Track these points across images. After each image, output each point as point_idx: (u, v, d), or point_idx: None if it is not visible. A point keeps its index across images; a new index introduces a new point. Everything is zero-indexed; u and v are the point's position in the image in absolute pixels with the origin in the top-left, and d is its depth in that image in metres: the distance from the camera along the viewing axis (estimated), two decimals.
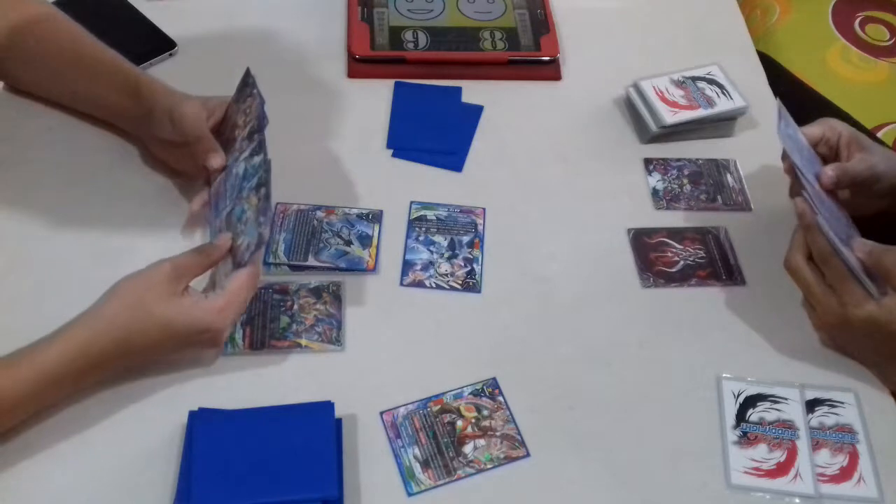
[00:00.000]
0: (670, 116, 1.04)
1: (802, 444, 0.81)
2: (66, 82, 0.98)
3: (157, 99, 0.92)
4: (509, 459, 0.80)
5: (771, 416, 0.83)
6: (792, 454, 0.81)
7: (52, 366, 0.74)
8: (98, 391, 0.80)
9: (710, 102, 1.06)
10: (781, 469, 0.80)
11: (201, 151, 0.89)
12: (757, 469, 0.80)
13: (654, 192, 1.01)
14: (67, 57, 0.96)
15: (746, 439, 0.82)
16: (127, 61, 0.96)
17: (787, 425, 0.83)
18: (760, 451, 0.81)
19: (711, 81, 1.09)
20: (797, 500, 0.78)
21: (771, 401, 0.84)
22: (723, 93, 1.08)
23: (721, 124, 1.07)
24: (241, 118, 0.90)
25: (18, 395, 0.73)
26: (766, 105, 1.11)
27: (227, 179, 0.88)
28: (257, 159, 0.84)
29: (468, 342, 0.88)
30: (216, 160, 0.88)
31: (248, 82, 0.91)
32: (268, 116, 0.88)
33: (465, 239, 0.95)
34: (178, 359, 0.81)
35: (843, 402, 0.84)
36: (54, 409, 0.78)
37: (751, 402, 0.84)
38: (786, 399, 0.84)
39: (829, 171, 0.90)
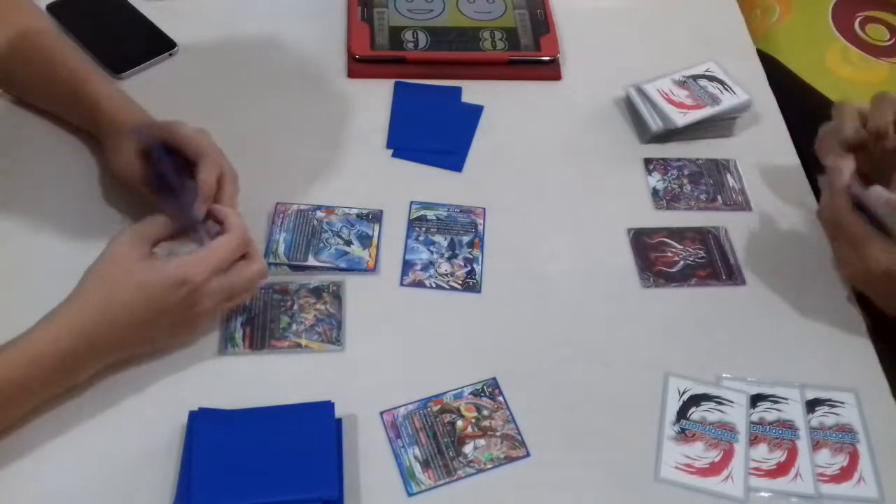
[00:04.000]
0: (681, 118, 1.04)
1: (803, 444, 0.82)
2: (38, 92, 0.99)
3: (104, 130, 0.92)
4: (509, 459, 0.80)
5: (771, 416, 0.83)
6: (792, 454, 0.81)
7: (37, 348, 0.74)
8: (95, 382, 0.80)
9: (714, 100, 1.06)
10: (781, 469, 0.80)
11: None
12: (757, 469, 0.80)
13: (654, 192, 1.01)
14: (43, 68, 0.95)
15: (749, 440, 0.82)
16: (97, 79, 0.94)
17: (788, 425, 0.83)
18: (761, 451, 0.81)
19: (712, 78, 1.09)
20: (794, 500, 0.78)
21: (771, 401, 0.84)
22: (725, 88, 1.08)
23: (722, 123, 1.07)
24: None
25: (8, 380, 0.73)
26: (766, 106, 1.11)
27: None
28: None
29: (468, 342, 0.88)
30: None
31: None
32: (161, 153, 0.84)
33: (465, 239, 0.95)
34: (167, 329, 0.80)
35: (843, 403, 0.84)
36: (49, 401, 0.78)
37: (751, 402, 0.84)
38: (786, 399, 0.84)
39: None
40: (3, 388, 0.73)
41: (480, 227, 0.96)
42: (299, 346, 0.85)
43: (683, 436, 0.82)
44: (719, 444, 0.81)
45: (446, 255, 0.94)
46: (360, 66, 1.11)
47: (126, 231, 0.79)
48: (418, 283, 0.91)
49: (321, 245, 0.93)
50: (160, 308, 0.77)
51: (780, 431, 0.82)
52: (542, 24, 1.16)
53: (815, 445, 0.82)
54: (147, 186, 0.87)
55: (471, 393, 0.83)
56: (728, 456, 0.80)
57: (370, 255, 0.92)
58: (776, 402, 0.84)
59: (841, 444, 0.82)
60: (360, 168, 1.01)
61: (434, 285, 0.91)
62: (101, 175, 0.97)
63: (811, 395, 0.85)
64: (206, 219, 0.83)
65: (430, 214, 0.97)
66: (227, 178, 0.86)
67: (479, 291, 0.91)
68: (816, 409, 0.84)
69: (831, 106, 0.97)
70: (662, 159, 1.05)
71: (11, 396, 0.74)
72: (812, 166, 1.04)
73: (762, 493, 0.79)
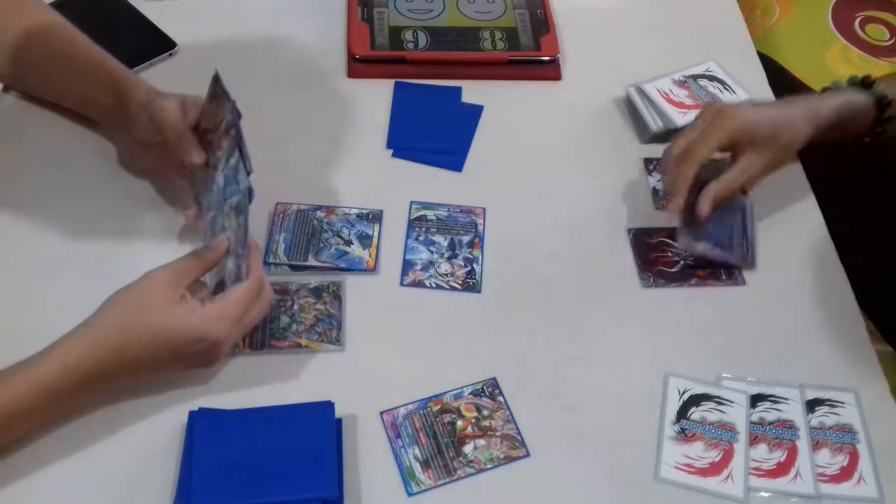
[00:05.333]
0: (680, 118, 1.04)
1: (803, 444, 0.82)
2: (55, 82, 0.98)
3: (135, 97, 0.91)
4: (509, 459, 0.80)
5: (771, 416, 0.83)
6: (792, 454, 0.81)
7: (47, 378, 0.72)
8: (96, 407, 0.79)
9: (714, 100, 1.06)
10: (781, 469, 0.80)
11: (180, 149, 0.88)
12: (757, 469, 0.80)
13: (654, 192, 1.01)
14: (59, 58, 0.96)
15: (749, 440, 0.82)
16: (114, 61, 0.95)
17: (788, 425, 0.83)
18: (761, 451, 0.81)
19: (712, 78, 1.09)
20: (794, 500, 0.79)
21: (771, 401, 0.84)
22: (725, 88, 1.08)
23: None
24: (212, 121, 0.88)
25: (14, 409, 0.72)
26: None
27: (208, 182, 0.87)
28: (233, 160, 0.83)
29: (468, 342, 0.88)
30: (196, 156, 0.86)
31: (217, 87, 0.87)
32: (240, 111, 0.85)
33: (465, 239, 0.95)
34: (175, 372, 0.80)
35: (843, 403, 0.84)
36: (49, 427, 0.77)
37: (751, 402, 0.84)
38: (786, 399, 0.84)
39: (703, 206, 0.92)
40: (10, 420, 0.72)
41: (480, 227, 0.96)
42: (299, 346, 0.85)
43: (683, 436, 0.82)
44: (719, 444, 0.81)
45: (446, 255, 0.94)
46: (360, 66, 1.11)
47: (163, 269, 0.77)
48: (418, 283, 0.91)
49: (321, 245, 0.93)
50: (177, 356, 0.76)
51: (780, 431, 0.82)
52: (542, 24, 1.16)
53: (815, 445, 0.82)
54: (179, 133, 0.87)
55: (471, 393, 0.83)
56: (728, 456, 0.80)
57: (370, 255, 0.92)
58: (776, 402, 0.84)
59: (841, 444, 0.82)
60: (360, 168, 1.01)
61: (434, 285, 0.91)
62: (104, 174, 0.97)
63: (811, 395, 0.85)
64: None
65: (430, 214, 0.97)
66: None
67: (479, 291, 0.91)
68: (816, 409, 0.84)
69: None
70: None
71: (16, 424, 0.74)
72: (812, 166, 1.05)
73: (762, 493, 0.79)
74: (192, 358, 0.77)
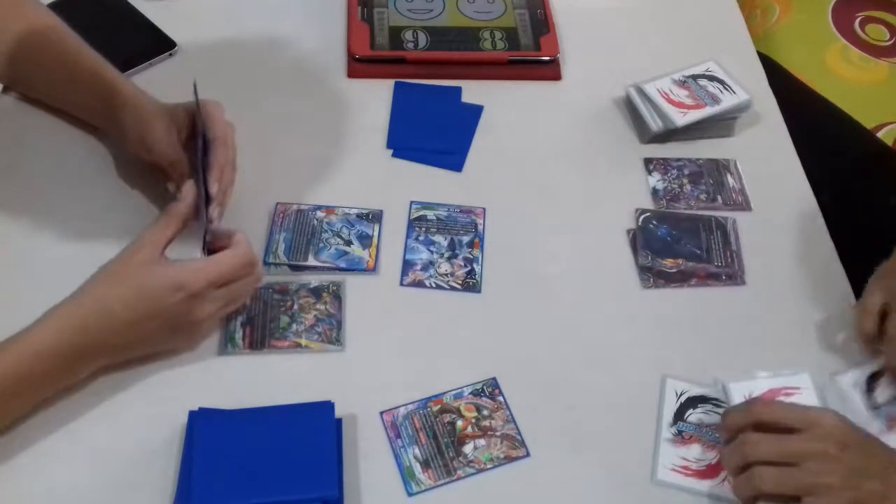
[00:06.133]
0: (680, 118, 1.04)
1: None
2: (49, 86, 0.99)
3: (127, 120, 0.91)
4: (509, 459, 0.80)
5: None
6: None
7: (40, 340, 0.75)
8: (96, 382, 0.80)
9: (714, 99, 1.06)
10: None
11: (176, 176, 0.90)
12: None
13: (654, 192, 1.01)
14: (53, 62, 0.96)
15: None
16: (108, 68, 0.95)
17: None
18: None
19: (712, 78, 1.09)
20: None
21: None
22: (725, 88, 1.08)
23: (722, 123, 1.07)
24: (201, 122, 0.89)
25: (10, 374, 0.73)
26: (766, 106, 1.11)
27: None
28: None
29: (468, 342, 0.88)
30: (187, 192, 0.86)
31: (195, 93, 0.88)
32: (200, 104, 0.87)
33: (465, 239, 0.95)
34: (166, 331, 0.80)
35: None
36: (50, 398, 0.78)
37: None
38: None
39: None
40: (6, 382, 0.74)
41: (480, 227, 0.96)
42: (299, 346, 0.85)
43: (681, 438, 0.81)
44: (717, 446, 0.81)
45: (446, 255, 0.94)
46: (360, 66, 1.11)
47: (141, 235, 0.81)
48: (418, 283, 0.91)
49: (321, 245, 0.93)
50: (157, 308, 0.78)
51: None
52: (542, 24, 1.16)
53: None
54: (173, 157, 0.90)
55: (471, 393, 0.83)
56: None
57: (370, 255, 0.92)
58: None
59: None
60: (360, 168, 1.01)
61: (434, 285, 0.91)
62: (104, 174, 0.97)
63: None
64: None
65: (430, 214, 0.97)
66: (229, 167, 0.90)
67: (479, 291, 0.91)
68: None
69: (830, 107, 0.97)
70: (662, 159, 1.05)
71: (14, 391, 0.75)
72: (813, 166, 1.05)
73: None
74: (172, 311, 0.78)
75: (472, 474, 0.78)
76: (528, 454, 0.80)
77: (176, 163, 0.90)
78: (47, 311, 0.77)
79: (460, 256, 0.94)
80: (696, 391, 0.84)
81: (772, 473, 0.72)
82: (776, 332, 0.90)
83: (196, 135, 0.89)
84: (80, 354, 0.77)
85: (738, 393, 0.83)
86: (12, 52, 0.95)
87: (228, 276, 0.81)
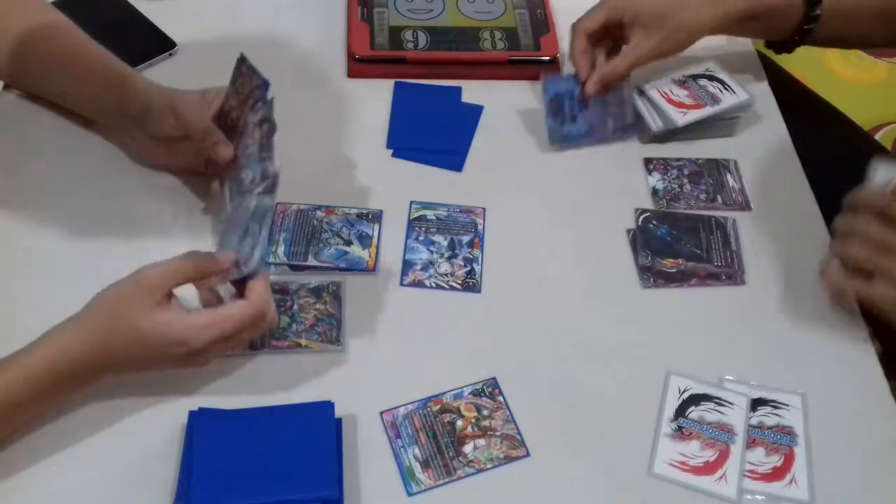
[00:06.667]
0: (680, 118, 1.04)
1: (800, 451, 0.81)
2: (56, 81, 0.98)
3: (153, 95, 0.92)
4: (509, 459, 0.80)
5: (771, 420, 0.83)
6: (789, 460, 0.80)
7: (38, 369, 0.73)
8: (90, 398, 0.79)
9: (715, 99, 1.06)
10: (777, 473, 0.80)
11: (207, 144, 0.88)
12: (752, 472, 0.80)
13: (654, 191, 1.01)
14: (62, 57, 0.96)
15: (747, 442, 0.82)
16: (117, 60, 0.95)
17: (787, 431, 0.82)
18: (758, 454, 0.81)
19: (712, 78, 1.09)
20: None
21: (772, 406, 0.84)
22: (725, 88, 1.08)
23: (723, 123, 1.07)
24: (236, 99, 0.88)
25: (9, 400, 0.73)
26: (766, 106, 1.11)
27: (234, 180, 0.87)
28: (254, 148, 0.83)
29: (468, 342, 0.88)
30: (225, 151, 0.86)
31: (241, 66, 0.86)
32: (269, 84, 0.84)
33: (465, 239, 0.95)
34: (163, 370, 0.79)
35: (787, 405, 0.84)
36: (40, 419, 0.77)
37: (752, 406, 0.84)
38: (787, 405, 0.84)
39: (590, 86, 1.00)
40: (6, 411, 0.73)
41: (480, 227, 0.96)
42: (299, 346, 0.85)
43: (680, 434, 0.82)
44: (716, 444, 0.81)
45: (446, 254, 0.94)
46: (360, 65, 1.11)
47: (155, 269, 0.76)
48: (418, 283, 0.91)
49: (321, 245, 0.93)
50: (156, 354, 0.76)
51: (779, 437, 0.82)
52: (542, 24, 1.16)
53: (810, 448, 0.82)
54: (206, 124, 0.88)
55: (471, 393, 0.83)
56: (724, 456, 0.80)
57: (370, 255, 0.92)
58: (777, 408, 0.84)
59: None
60: (360, 168, 1.01)
61: (434, 285, 0.91)
62: (104, 173, 0.97)
63: (810, 398, 0.85)
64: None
65: (430, 214, 0.97)
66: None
67: (479, 291, 0.91)
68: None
69: (830, 107, 0.97)
70: (662, 159, 1.05)
71: (6, 416, 0.74)
72: (813, 167, 1.05)
73: (756, 496, 0.79)
74: (175, 359, 0.76)
75: (472, 474, 0.78)
76: (527, 454, 0.80)
77: (208, 130, 0.87)
78: (44, 333, 0.75)
79: (460, 256, 0.94)
80: (699, 389, 0.84)
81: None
82: (776, 333, 0.90)
83: (238, 105, 0.86)
84: (72, 385, 0.76)
85: (884, 174, 0.84)
86: (16, 49, 0.95)
87: (234, 332, 0.77)
